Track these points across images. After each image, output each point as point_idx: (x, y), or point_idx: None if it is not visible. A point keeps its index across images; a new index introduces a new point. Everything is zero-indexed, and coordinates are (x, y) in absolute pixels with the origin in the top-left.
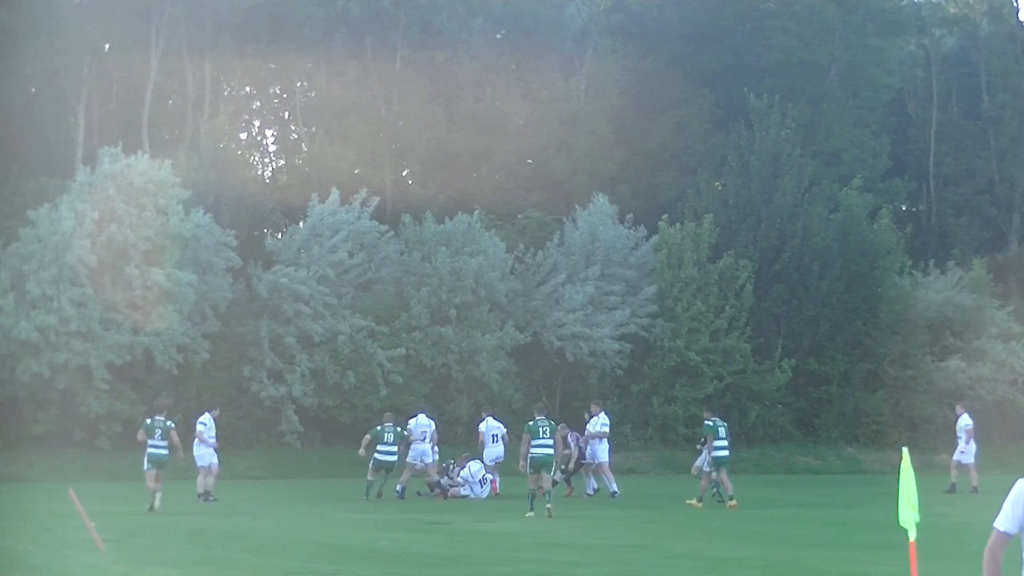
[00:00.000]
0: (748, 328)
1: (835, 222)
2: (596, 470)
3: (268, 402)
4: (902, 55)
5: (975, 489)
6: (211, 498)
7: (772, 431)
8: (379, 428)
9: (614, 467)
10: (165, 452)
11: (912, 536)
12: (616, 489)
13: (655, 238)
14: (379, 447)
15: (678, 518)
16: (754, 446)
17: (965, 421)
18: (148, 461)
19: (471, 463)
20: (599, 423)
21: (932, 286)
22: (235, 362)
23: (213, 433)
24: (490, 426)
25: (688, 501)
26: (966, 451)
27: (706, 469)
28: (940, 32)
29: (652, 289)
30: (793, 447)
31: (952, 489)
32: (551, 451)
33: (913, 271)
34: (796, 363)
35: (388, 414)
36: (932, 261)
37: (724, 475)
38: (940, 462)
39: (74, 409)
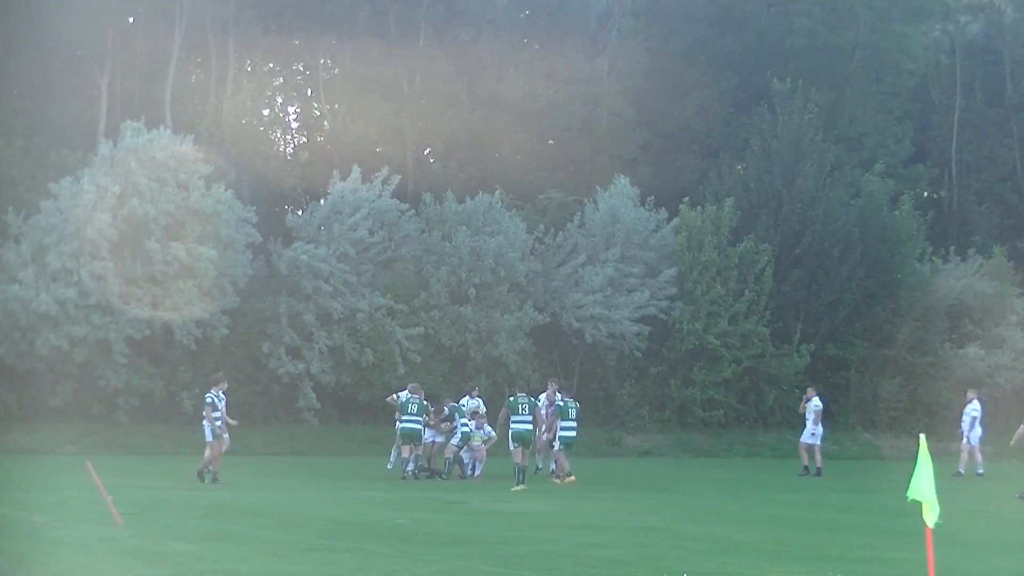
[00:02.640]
0: (767, 312)
1: (856, 207)
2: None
3: (286, 378)
4: (926, 41)
5: (818, 470)
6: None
7: (789, 416)
8: (405, 399)
9: (632, 449)
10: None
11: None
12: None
13: (676, 221)
14: (403, 416)
15: (694, 501)
16: (771, 431)
17: (816, 404)
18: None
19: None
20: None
21: (952, 273)
22: (254, 338)
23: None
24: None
25: (562, 482)
26: (816, 432)
27: (555, 447)
28: (965, 19)
29: (672, 272)
30: None
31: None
32: (530, 426)
33: (933, 258)
34: (815, 348)
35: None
36: (952, 248)
37: (563, 455)
38: (956, 449)
39: (92, 382)
